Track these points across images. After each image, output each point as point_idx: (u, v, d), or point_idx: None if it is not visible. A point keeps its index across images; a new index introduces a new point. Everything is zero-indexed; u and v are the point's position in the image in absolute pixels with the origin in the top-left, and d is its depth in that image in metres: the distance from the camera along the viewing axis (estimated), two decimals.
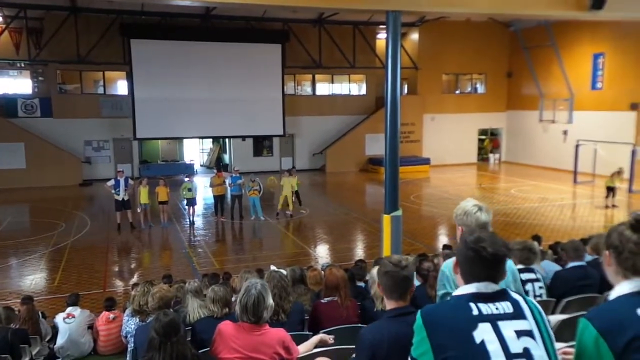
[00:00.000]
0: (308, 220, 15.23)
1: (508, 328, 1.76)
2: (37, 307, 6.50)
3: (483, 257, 1.84)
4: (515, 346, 1.73)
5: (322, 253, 12.20)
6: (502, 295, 1.85)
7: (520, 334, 1.76)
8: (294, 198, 15.52)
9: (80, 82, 23.23)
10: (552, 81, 24.74)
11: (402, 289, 2.51)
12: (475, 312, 1.78)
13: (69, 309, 5.92)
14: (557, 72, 24.24)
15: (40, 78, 23.14)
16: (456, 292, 1.91)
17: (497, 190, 20.78)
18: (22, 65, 22.89)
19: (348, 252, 11.94)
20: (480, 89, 29.12)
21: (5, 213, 16.76)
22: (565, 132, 24.10)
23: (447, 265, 2.81)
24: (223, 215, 15.16)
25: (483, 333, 1.74)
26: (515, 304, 1.84)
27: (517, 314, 1.81)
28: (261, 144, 25.94)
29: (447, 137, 27.29)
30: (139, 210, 14.23)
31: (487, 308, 1.80)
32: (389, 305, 2.56)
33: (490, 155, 29.06)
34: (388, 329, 2.45)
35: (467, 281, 1.89)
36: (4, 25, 21.23)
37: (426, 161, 26.09)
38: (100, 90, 23.75)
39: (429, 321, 1.82)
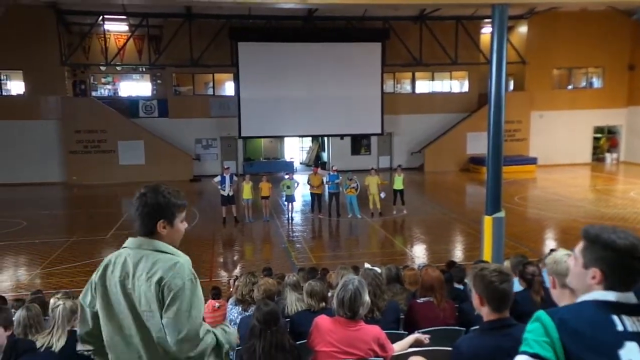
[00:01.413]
0: (405, 220, 15.06)
1: None
2: None
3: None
4: None
5: (418, 253, 12.02)
6: None
7: None
8: (398, 197, 15.39)
9: (193, 84, 24.96)
10: None
11: (504, 300, 2.40)
12: (620, 327, 1.61)
13: None
14: None
15: (158, 81, 25.25)
16: (590, 297, 1.72)
17: (614, 192, 19.04)
18: (144, 69, 25.16)
19: (446, 253, 11.63)
20: (597, 83, 26.82)
21: (127, 205, 18.48)
22: None
23: None
24: (321, 212, 15.46)
25: (630, 353, 1.57)
26: None
27: None
28: (359, 143, 26.06)
29: (557, 135, 25.47)
30: (244, 204, 14.95)
31: (632, 324, 1.62)
32: (487, 315, 2.43)
33: (607, 155, 26.68)
34: (487, 342, 2.34)
35: (610, 288, 1.70)
36: (129, 34, 23.42)
37: (533, 161, 24.59)
38: (210, 92, 25.33)
39: (565, 328, 1.64)
